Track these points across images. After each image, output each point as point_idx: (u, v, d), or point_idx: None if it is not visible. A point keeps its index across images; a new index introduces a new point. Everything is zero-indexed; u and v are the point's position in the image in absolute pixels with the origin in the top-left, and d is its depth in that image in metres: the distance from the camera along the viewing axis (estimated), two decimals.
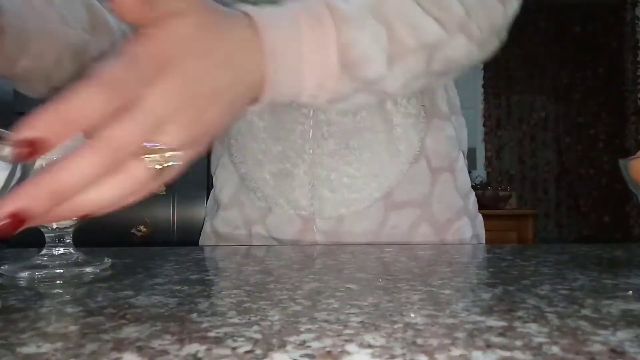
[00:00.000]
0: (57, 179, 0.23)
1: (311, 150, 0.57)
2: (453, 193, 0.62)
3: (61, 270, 0.38)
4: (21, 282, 0.35)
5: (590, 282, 0.33)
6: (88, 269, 0.39)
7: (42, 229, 0.41)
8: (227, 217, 0.64)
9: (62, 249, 0.41)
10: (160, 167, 0.27)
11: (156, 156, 0.26)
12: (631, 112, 2.78)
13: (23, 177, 0.26)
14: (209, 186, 2.21)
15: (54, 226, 0.40)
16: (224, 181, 0.65)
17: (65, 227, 0.41)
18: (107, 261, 0.42)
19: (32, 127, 0.22)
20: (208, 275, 0.37)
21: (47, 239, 0.41)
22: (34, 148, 0.22)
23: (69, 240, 0.42)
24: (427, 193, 0.60)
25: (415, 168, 0.59)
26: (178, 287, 0.33)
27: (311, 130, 0.57)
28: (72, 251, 0.41)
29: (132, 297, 0.30)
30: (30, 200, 0.22)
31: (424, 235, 0.60)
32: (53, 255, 0.41)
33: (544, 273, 0.38)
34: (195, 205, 1.99)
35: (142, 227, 1.94)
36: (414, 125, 0.58)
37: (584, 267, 0.39)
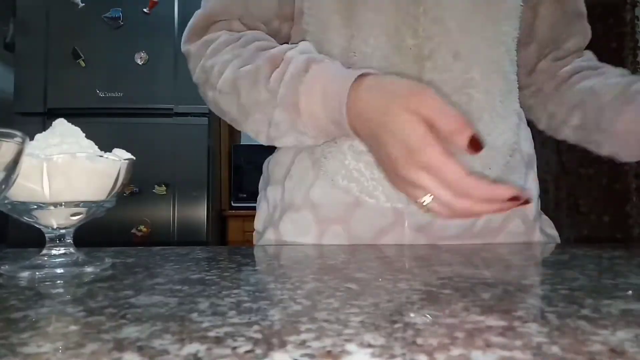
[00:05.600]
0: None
1: None
2: (536, 191, 0.63)
3: (62, 270, 0.38)
4: (22, 282, 0.36)
5: (589, 282, 0.34)
6: (88, 269, 0.39)
7: (42, 229, 0.41)
8: (296, 219, 0.60)
9: (62, 248, 0.41)
10: None
11: None
12: None
13: None
14: (209, 186, 2.19)
15: (55, 226, 0.40)
16: (299, 180, 0.61)
17: (66, 227, 0.41)
18: (108, 261, 0.42)
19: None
20: (208, 275, 0.37)
21: (47, 239, 0.41)
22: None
23: (69, 240, 0.42)
24: (522, 186, 0.60)
25: (513, 162, 0.59)
26: (178, 287, 0.33)
27: None
28: (73, 251, 0.42)
29: (133, 297, 0.30)
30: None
31: (513, 233, 0.60)
32: (53, 255, 0.41)
33: (543, 273, 0.38)
34: (195, 205, 1.99)
35: (142, 227, 1.94)
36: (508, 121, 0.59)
37: (583, 267, 0.39)
